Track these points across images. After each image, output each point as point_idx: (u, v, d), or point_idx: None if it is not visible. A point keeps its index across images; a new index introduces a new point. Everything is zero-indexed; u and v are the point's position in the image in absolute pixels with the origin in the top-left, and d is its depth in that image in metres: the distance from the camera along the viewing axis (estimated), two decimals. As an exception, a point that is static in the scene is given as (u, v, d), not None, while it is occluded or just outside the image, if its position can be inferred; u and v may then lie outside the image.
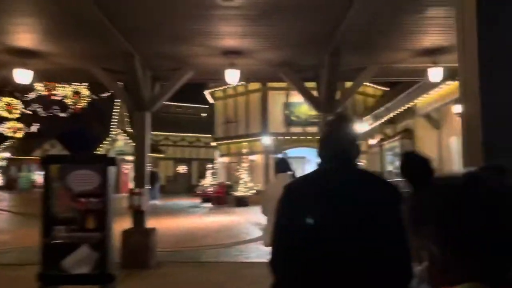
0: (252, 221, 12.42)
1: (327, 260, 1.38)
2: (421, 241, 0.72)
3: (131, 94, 6.88)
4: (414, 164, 0.80)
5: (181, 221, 13.25)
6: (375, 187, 1.50)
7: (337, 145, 1.56)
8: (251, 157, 20.85)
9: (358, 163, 1.60)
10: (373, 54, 6.69)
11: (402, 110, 12.88)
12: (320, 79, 7.16)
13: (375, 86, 20.30)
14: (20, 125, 41.45)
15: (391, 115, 13.77)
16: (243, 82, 20.76)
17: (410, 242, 0.75)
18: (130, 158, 30.67)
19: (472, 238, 0.67)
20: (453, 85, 9.53)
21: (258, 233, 9.89)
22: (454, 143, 10.32)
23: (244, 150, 21.01)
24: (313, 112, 20.65)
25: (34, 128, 44.38)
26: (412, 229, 0.74)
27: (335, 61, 6.50)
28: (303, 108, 20.20)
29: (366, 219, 1.38)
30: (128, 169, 31.75)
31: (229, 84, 20.95)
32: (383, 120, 14.60)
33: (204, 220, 13.67)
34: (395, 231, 1.13)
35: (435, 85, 10.39)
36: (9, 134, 42.10)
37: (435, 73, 6.57)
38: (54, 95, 29.76)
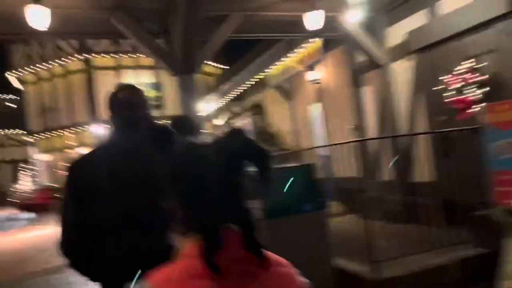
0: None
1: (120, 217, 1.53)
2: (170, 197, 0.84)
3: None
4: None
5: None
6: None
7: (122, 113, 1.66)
8: (81, 151, 17.56)
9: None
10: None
11: (251, 84, 11.95)
12: (172, 31, 5.33)
13: (215, 64, 19.23)
14: None
15: (240, 90, 12.74)
16: (60, 61, 17.29)
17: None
18: None
19: (182, 197, 0.81)
20: (307, 49, 8.89)
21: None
22: (311, 112, 9.77)
23: (71, 144, 17.60)
24: (154, 93, 18.76)
25: None
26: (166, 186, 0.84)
27: (191, 4, 4.81)
28: (139, 90, 17.90)
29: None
30: None
31: (42, 65, 17.56)
32: (229, 97, 13.50)
33: (24, 234, 10.48)
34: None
35: (287, 52, 9.65)
36: None
37: (314, 19, 5.45)
38: None
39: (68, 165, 1.63)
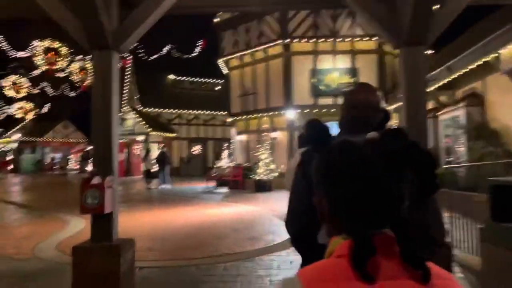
0: (276, 212, 9.76)
1: None
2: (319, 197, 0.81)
3: (87, 24, 4.15)
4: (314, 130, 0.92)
5: (190, 211, 10.67)
6: None
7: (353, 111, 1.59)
8: (273, 134, 18.09)
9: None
10: None
11: (469, 69, 9.85)
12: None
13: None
14: (29, 105, 39.80)
15: (452, 76, 10.73)
16: (262, 46, 17.92)
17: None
18: (140, 138, 28.50)
19: (336, 201, 0.76)
20: None
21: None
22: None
23: (265, 126, 18.28)
24: (345, 79, 18.01)
25: (45, 108, 42.83)
26: (315, 187, 0.82)
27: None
28: (334, 76, 17.28)
29: None
30: (139, 149, 29.56)
31: (246, 49, 18.63)
32: (434, 83, 11.56)
33: (218, 210, 11.07)
34: None
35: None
36: (19, 116, 40.54)
37: None
38: (57, 70, 27.59)
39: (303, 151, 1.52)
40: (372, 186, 0.72)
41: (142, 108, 28.86)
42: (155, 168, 18.41)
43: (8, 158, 44.74)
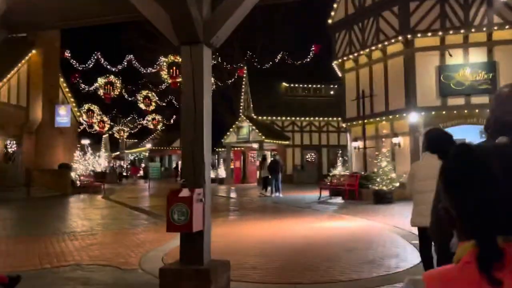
0: (400, 230, 8.41)
1: None
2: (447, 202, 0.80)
3: (176, 18, 3.70)
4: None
5: (299, 224, 9.92)
6: None
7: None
8: (394, 140, 16.43)
9: None
10: None
11: None
12: None
13: None
14: (159, 117, 43.58)
15: None
16: (380, 44, 16.50)
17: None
18: (255, 145, 28.80)
19: (458, 203, 0.76)
20: None
21: (414, 255, 6.00)
22: None
23: (384, 132, 16.70)
24: (481, 75, 15.57)
25: (171, 119, 46.52)
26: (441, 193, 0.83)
27: None
28: (466, 72, 15.07)
29: None
30: (254, 157, 29.89)
31: (362, 49, 17.37)
32: None
33: (329, 224, 10.12)
34: None
35: None
36: (150, 126, 44.63)
37: None
38: (180, 82, 29.50)
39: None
40: (490, 191, 0.73)
41: (256, 116, 29.20)
42: (268, 175, 18.13)
43: (142, 165, 49.52)
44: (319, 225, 9.81)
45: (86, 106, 37.55)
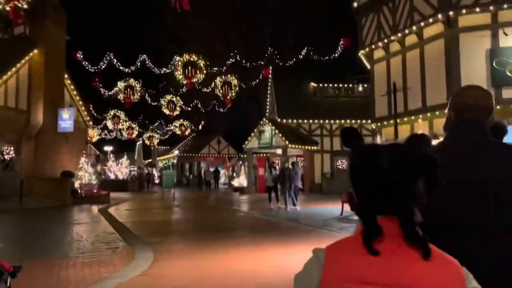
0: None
1: None
2: None
3: None
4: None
5: (301, 254, 7.27)
6: None
7: None
8: (434, 143, 13.38)
9: None
10: None
11: None
12: None
13: None
14: (187, 122, 41.93)
15: None
16: (414, 26, 13.58)
17: None
18: (279, 151, 26.24)
19: (354, 188, 1.02)
20: None
21: None
22: None
23: (421, 132, 13.68)
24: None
25: (199, 125, 44.84)
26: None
27: None
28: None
29: None
30: (276, 163, 27.28)
31: (393, 34, 14.56)
32: None
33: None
34: None
35: None
36: (178, 132, 43.07)
37: None
38: (196, 83, 27.50)
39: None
40: (380, 179, 0.96)
41: (280, 119, 26.68)
42: (273, 185, 15.51)
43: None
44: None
45: (111, 112, 36.55)
